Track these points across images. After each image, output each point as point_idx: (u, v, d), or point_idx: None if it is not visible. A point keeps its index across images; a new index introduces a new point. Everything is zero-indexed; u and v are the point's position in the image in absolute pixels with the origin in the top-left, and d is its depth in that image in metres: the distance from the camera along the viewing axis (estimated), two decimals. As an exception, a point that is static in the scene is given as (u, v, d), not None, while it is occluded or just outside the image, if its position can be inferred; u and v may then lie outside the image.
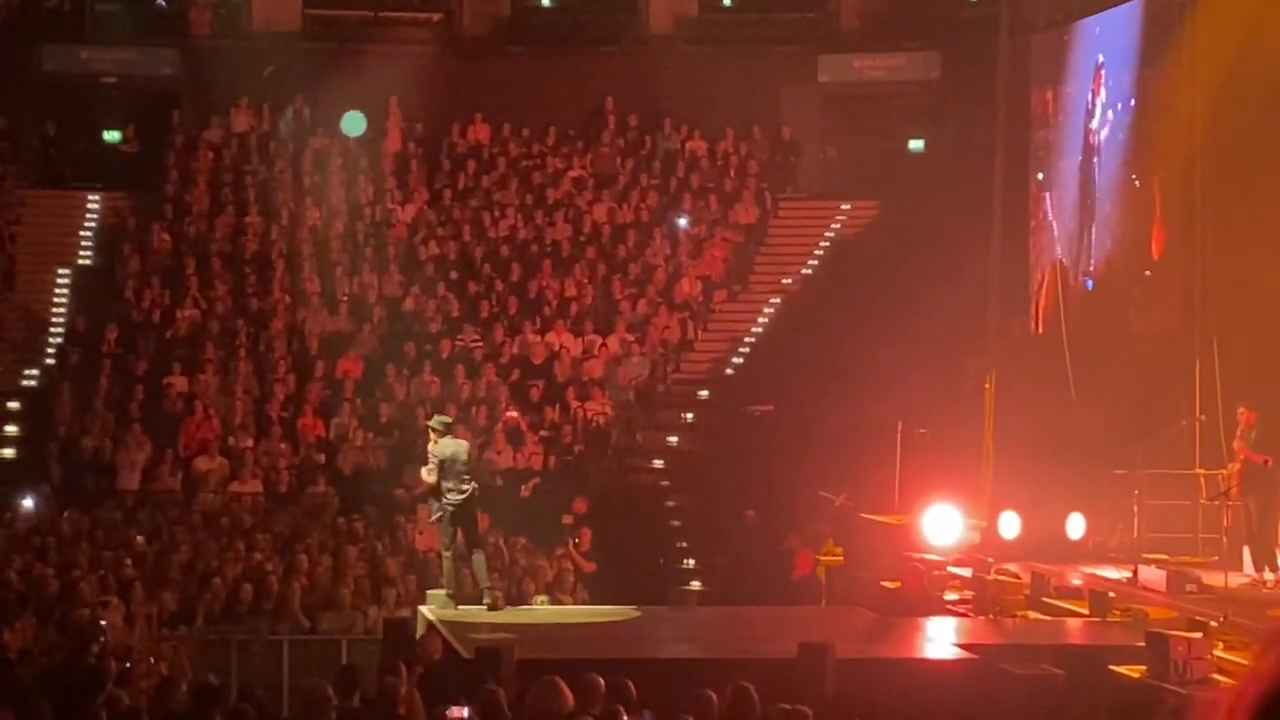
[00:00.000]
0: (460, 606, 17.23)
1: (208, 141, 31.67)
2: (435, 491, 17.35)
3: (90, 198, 31.53)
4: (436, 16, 33.11)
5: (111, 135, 32.95)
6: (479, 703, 10.98)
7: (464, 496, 17.16)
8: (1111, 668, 14.25)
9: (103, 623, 15.07)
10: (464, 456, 17.35)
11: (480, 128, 32.46)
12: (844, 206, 32.04)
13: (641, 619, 17.83)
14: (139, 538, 21.77)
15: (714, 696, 10.76)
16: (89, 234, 31.10)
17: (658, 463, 27.62)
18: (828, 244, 31.52)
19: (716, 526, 24.96)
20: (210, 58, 31.62)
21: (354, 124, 30.99)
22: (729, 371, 29.37)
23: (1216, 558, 19.17)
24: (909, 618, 17.33)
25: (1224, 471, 19.48)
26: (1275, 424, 18.85)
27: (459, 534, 17.36)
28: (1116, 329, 23.79)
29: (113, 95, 32.75)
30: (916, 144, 32.90)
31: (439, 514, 17.45)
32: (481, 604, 17.29)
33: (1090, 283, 25.41)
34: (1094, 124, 25.35)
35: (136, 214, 30.60)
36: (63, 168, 32.17)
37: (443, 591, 17.58)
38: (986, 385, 22.43)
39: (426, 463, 17.45)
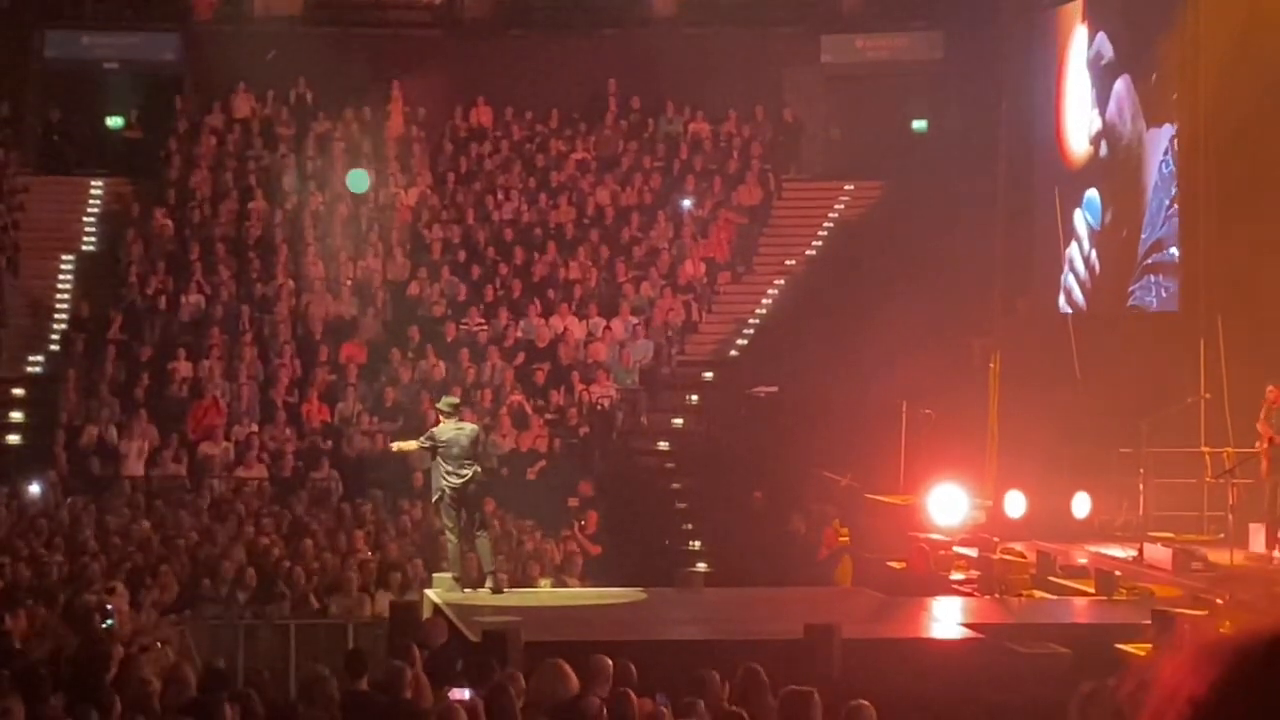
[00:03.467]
0: (465, 590, 17.23)
1: (210, 126, 31.64)
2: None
3: (93, 184, 31.54)
4: (438, -1, 33.08)
5: (114, 121, 32.97)
6: (488, 687, 10.96)
7: (462, 481, 17.15)
8: (1118, 646, 14.24)
9: (109, 608, 15.06)
10: (464, 442, 17.29)
11: (483, 111, 32.43)
12: (847, 187, 32.00)
13: (648, 601, 17.81)
14: (144, 523, 21.77)
15: (717, 676, 10.75)
16: (92, 220, 31.11)
17: (663, 445, 27.61)
18: (831, 224, 31.47)
19: (722, 508, 24.93)
20: (212, 42, 31.63)
21: (358, 181, 30.52)
22: (733, 353, 29.34)
23: (1222, 535, 19.15)
24: (915, 598, 17.31)
25: (1228, 451, 19.41)
26: None
27: (462, 517, 17.36)
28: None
29: (115, 81, 32.76)
30: (920, 124, 32.85)
31: (436, 496, 17.49)
32: (486, 587, 17.29)
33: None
34: (1094, 103, 25.26)
35: (140, 199, 30.57)
36: (65, 154, 32.17)
37: (448, 575, 17.59)
38: (991, 364, 22.41)
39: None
